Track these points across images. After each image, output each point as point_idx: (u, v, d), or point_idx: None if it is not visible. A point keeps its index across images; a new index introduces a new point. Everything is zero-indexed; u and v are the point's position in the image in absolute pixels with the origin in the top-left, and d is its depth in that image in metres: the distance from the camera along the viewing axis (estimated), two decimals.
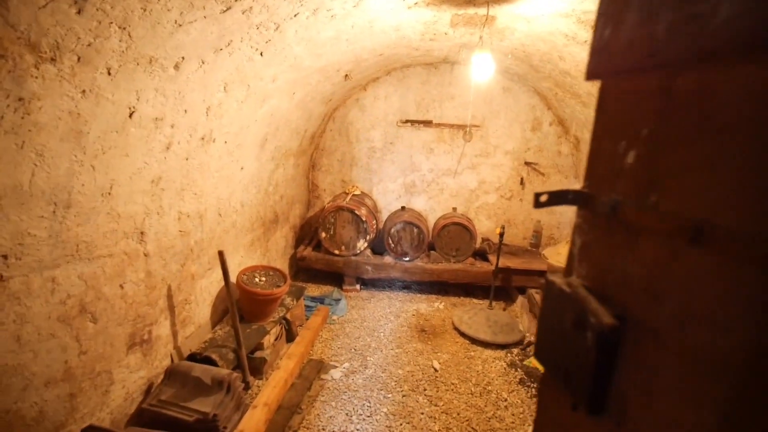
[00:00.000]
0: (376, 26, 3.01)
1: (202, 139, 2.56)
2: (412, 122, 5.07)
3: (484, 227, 5.24)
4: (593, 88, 3.46)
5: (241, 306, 3.09)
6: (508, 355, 3.55)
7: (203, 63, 2.11)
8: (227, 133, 2.83)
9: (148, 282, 2.33)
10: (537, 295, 4.04)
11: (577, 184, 4.97)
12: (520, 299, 4.53)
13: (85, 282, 1.88)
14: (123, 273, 2.13)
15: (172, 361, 2.54)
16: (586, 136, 4.38)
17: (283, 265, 4.58)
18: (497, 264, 3.93)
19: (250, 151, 3.33)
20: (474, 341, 3.69)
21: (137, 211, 2.16)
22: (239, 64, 2.41)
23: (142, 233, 2.23)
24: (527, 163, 5.06)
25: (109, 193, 1.93)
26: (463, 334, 3.77)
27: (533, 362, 3.40)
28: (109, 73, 1.63)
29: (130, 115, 1.87)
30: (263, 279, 3.16)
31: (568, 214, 5.14)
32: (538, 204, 0.62)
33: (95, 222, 1.88)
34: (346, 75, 4.07)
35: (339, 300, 4.22)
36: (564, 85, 3.88)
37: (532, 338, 3.82)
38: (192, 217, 2.69)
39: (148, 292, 2.33)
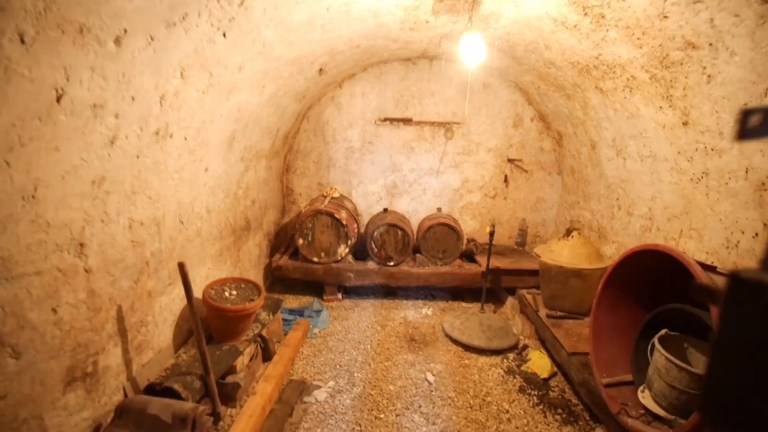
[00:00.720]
0: (354, 10, 2.76)
1: (156, 133, 2.21)
2: (392, 120, 4.85)
3: (470, 227, 5.06)
4: (580, 78, 3.35)
5: (210, 324, 2.72)
6: (504, 360, 3.34)
7: (152, 39, 1.78)
8: (187, 128, 2.48)
9: (92, 303, 1.94)
10: (528, 296, 3.87)
11: (560, 180, 4.89)
12: (510, 300, 4.36)
13: (2, 308, 1.50)
14: (56, 294, 1.74)
15: (125, 395, 2.15)
16: (569, 130, 4.30)
17: (257, 276, 4.20)
18: (488, 265, 3.73)
19: (215, 151, 2.98)
20: (467, 348, 3.45)
21: (74, 219, 1.79)
22: (198, 45, 2.09)
23: (81, 245, 1.85)
24: (510, 160, 4.94)
25: (33, 196, 1.56)
26: (455, 341, 3.53)
27: (531, 368, 3.20)
28: (23, 41, 1.29)
29: (58, 99, 1.52)
30: (234, 293, 2.80)
31: (553, 210, 5.05)
32: (744, 133, 0.37)
33: (14, 232, 1.51)
34: (321, 69, 3.80)
35: (320, 311, 3.89)
36: (548, 77, 3.77)
37: (527, 341, 3.63)
38: (147, 225, 2.32)
39: (91, 316, 1.94)
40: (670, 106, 2.67)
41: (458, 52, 3.48)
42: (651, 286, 2.52)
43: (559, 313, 3.40)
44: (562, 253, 3.38)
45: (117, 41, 1.62)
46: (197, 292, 2.88)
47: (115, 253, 2.09)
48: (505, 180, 4.97)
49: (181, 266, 2.19)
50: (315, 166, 5.02)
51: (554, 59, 3.34)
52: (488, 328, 3.52)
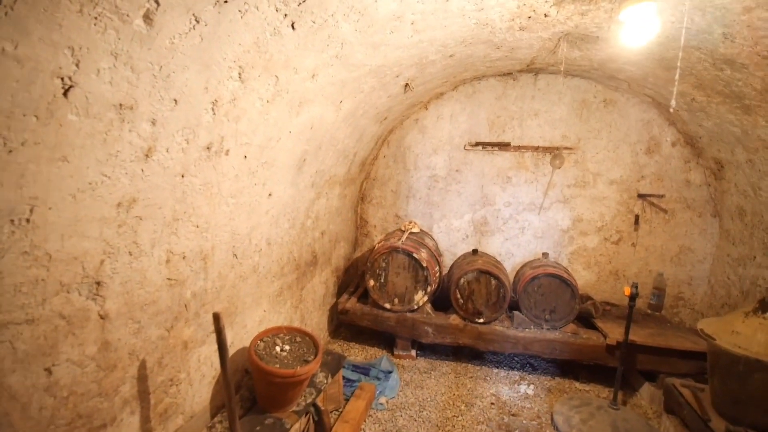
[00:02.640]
0: (453, 2, 2.18)
1: (208, 148, 1.81)
2: (484, 145, 4.12)
3: (583, 280, 3.97)
4: None
5: (255, 387, 2.18)
6: None
7: (198, 22, 1.37)
8: (248, 145, 2.07)
9: (104, 359, 1.50)
10: (685, 390, 2.67)
11: (716, 225, 3.62)
12: (649, 390, 3.14)
13: None
14: (54, 349, 1.32)
15: None
16: (738, 157, 3.12)
17: (321, 318, 3.66)
18: (626, 338, 2.66)
19: (282, 174, 2.57)
20: None
21: (89, 250, 1.38)
22: (260, 37, 1.66)
23: (97, 284, 1.44)
24: (642, 196, 3.82)
25: (28, 220, 1.17)
26: None
27: None
28: None
29: (65, 92, 1.13)
30: (287, 348, 2.24)
31: (705, 265, 3.73)
32: None
33: None
34: (407, 84, 3.29)
35: (389, 373, 3.16)
36: (713, 84, 2.74)
37: None
38: (190, 260, 1.90)
39: (101, 376, 1.50)
40: None
41: (581, 57, 2.69)
42: None
43: None
44: (753, 338, 2.22)
45: (147, 18, 1.21)
46: (247, 340, 2.39)
47: (144, 294, 1.66)
48: (636, 221, 3.83)
49: (216, 319, 1.68)
50: (393, 196, 4.47)
51: (736, 54, 2.35)
52: None
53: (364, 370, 3.22)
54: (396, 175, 4.43)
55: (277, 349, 2.22)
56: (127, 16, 1.16)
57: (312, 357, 2.20)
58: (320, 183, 3.27)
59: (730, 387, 2.31)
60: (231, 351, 2.31)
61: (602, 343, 3.12)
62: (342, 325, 3.97)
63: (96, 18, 1.09)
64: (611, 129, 3.85)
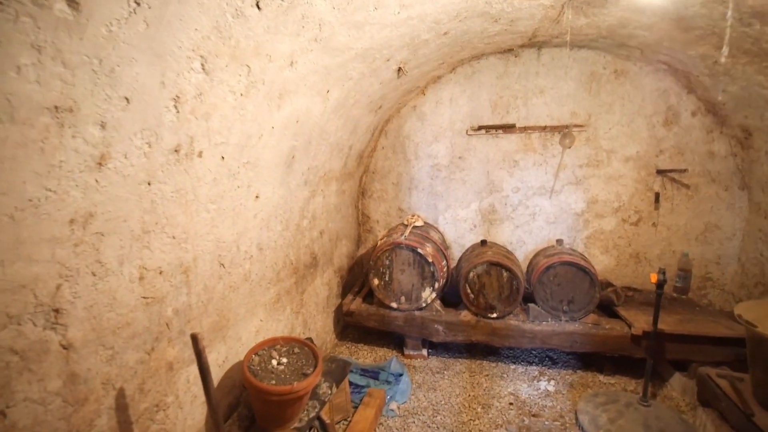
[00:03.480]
0: None
1: (176, 151, 1.63)
2: (488, 128, 3.88)
3: (601, 265, 3.73)
4: None
5: (252, 405, 2.03)
6: None
7: (139, 4, 1.18)
8: (223, 144, 1.89)
9: (71, 393, 1.35)
10: (722, 381, 2.45)
11: (745, 198, 3.34)
12: (681, 380, 2.92)
13: None
14: (6, 389, 1.17)
15: None
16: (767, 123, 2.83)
17: (326, 321, 3.51)
18: (655, 329, 2.43)
19: (269, 173, 2.38)
20: None
21: (41, 275, 1.22)
22: (219, 21, 1.47)
23: (56, 312, 1.28)
24: (661, 172, 3.54)
25: None
26: None
27: None
28: None
29: None
30: (284, 361, 2.08)
31: (734, 243, 3.46)
32: None
33: None
34: (400, 68, 3.06)
35: (400, 376, 2.99)
36: (740, 41, 2.45)
37: None
38: (168, 274, 1.73)
39: (70, 412, 1.35)
40: None
41: (587, 24, 2.43)
42: None
43: None
44: None
45: (70, 1, 1.02)
46: (242, 354, 2.24)
47: (116, 316, 1.50)
48: (656, 199, 3.56)
49: (195, 340, 1.51)
50: (394, 189, 4.26)
51: (767, 4, 2.07)
52: None
53: (373, 373, 3.05)
54: (396, 166, 4.22)
55: (274, 363, 2.06)
56: None
57: (311, 369, 2.03)
58: (314, 180, 3.08)
59: None
60: (226, 367, 2.16)
61: (627, 333, 2.90)
62: (349, 327, 3.81)
63: (0, 3, 0.91)
64: (624, 102, 3.56)
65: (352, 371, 2.97)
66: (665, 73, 3.43)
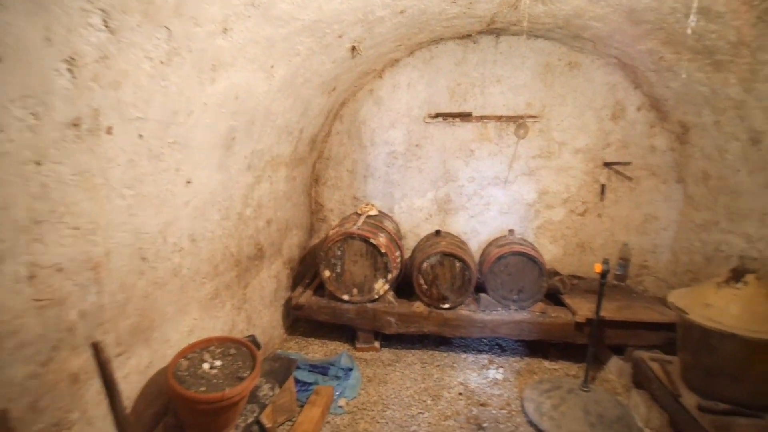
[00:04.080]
0: None
1: (75, 125, 1.36)
2: (445, 116, 3.80)
3: (550, 255, 3.83)
4: (755, 30, 2.09)
5: (180, 415, 1.83)
6: None
7: None
8: (140, 120, 1.62)
9: None
10: (654, 364, 2.60)
11: (680, 191, 3.54)
12: (617, 364, 3.08)
13: None
14: None
15: None
16: (704, 119, 2.98)
17: (273, 315, 3.31)
18: (598, 315, 2.50)
19: (202, 155, 2.13)
20: None
21: None
22: None
23: None
24: (607, 164, 3.67)
25: None
26: None
27: None
28: None
29: None
30: (217, 363, 1.89)
31: (669, 233, 3.68)
32: None
33: None
34: (354, 47, 2.87)
35: (349, 371, 2.89)
36: (683, 38, 2.52)
37: None
38: (72, 271, 1.47)
39: None
40: None
41: (545, 13, 2.37)
42: None
43: (722, 406, 2.11)
44: (726, 311, 2.11)
45: None
46: (170, 357, 2.01)
47: None
48: (602, 191, 3.69)
49: (97, 350, 1.29)
50: (349, 176, 4.10)
51: (712, 2, 2.11)
52: (599, 419, 2.31)
53: (322, 369, 2.93)
54: (352, 152, 4.04)
55: (205, 366, 1.86)
56: None
57: (248, 372, 1.86)
58: (259, 165, 2.84)
59: (702, 361, 2.21)
60: (150, 373, 1.93)
61: (571, 321, 2.99)
62: (299, 321, 3.64)
63: None
64: (576, 94, 3.62)
65: (299, 367, 2.83)
66: (615, 67, 3.51)
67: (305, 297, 3.28)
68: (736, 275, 2.16)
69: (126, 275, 1.74)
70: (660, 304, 3.25)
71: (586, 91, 3.60)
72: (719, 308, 2.13)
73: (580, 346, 3.11)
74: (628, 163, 3.60)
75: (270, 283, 3.24)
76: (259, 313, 3.03)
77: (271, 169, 3.07)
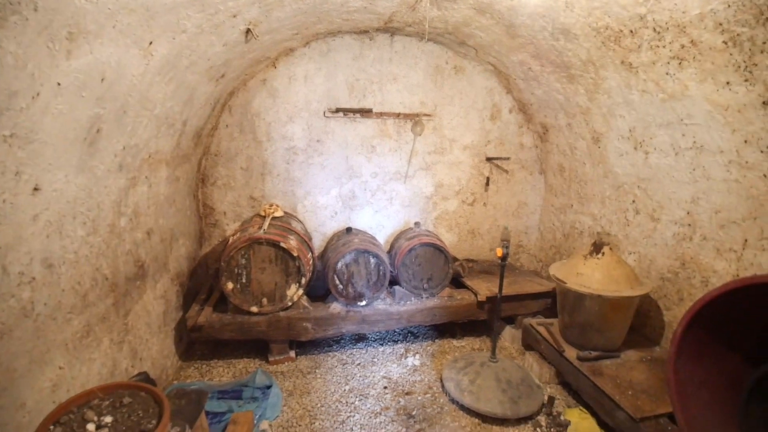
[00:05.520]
0: None
1: None
2: (345, 111, 3.74)
3: (447, 242, 4.15)
4: (599, 52, 2.61)
5: None
6: (538, 430, 2.45)
7: None
8: None
9: None
10: (541, 328, 3.07)
11: (542, 180, 4.25)
12: (510, 332, 3.55)
13: None
14: None
15: None
16: (560, 121, 3.63)
17: (163, 343, 2.78)
18: (500, 294, 2.81)
19: (56, 153, 1.61)
20: (486, 419, 2.51)
21: None
22: None
23: None
24: (489, 159, 4.16)
25: None
26: (469, 410, 2.56)
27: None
28: None
29: None
30: (107, 420, 1.47)
31: (535, 216, 4.39)
32: None
33: None
34: (249, 30, 2.56)
35: (268, 388, 2.63)
36: (548, 53, 3.00)
37: (550, 390, 2.81)
38: None
39: None
40: (746, 81, 2.01)
41: (438, 18, 2.52)
42: (756, 329, 1.82)
43: (593, 354, 2.63)
44: (593, 277, 2.62)
45: None
46: (29, 428, 1.49)
47: None
48: (487, 182, 4.17)
49: None
50: (244, 175, 3.69)
51: (571, 25, 2.55)
52: (508, 384, 2.62)
53: (234, 393, 2.59)
54: (245, 148, 3.64)
55: (90, 428, 1.43)
56: None
57: (153, 421, 1.50)
58: (134, 164, 2.31)
59: (578, 320, 2.70)
60: None
61: (474, 300, 3.31)
62: (195, 342, 3.15)
63: None
64: (462, 96, 3.98)
65: (211, 395, 2.45)
66: (492, 74, 3.98)
67: (204, 315, 2.84)
68: (597, 248, 2.70)
69: None
70: (536, 276, 3.86)
71: (470, 93, 3.99)
72: (587, 275, 2.63)
73: (481, 321, 3.48)
74: (507, 158, 4.14)
75: (157, 305, 2.70)
76: (146, 343, 2.50)
77: (150, 169, 2.53)
